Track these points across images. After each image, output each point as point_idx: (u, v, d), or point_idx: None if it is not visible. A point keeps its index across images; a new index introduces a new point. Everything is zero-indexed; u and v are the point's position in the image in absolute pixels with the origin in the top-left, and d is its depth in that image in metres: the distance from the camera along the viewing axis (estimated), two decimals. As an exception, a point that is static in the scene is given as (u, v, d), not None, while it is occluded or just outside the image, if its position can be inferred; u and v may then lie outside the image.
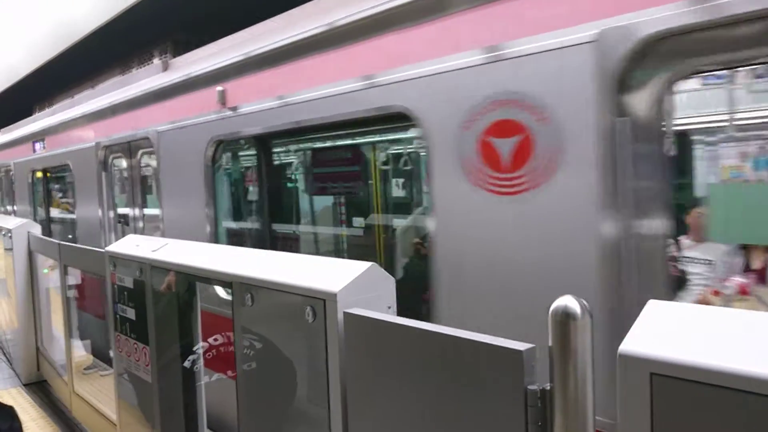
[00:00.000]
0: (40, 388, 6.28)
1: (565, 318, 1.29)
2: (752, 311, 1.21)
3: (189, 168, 4.89)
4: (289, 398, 2.17)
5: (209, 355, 3.81)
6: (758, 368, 1.01)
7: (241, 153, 5.27)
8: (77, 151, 7.32)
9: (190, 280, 2.92)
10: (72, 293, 5.75)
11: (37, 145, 9.26)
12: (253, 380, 2.31)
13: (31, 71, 10.77)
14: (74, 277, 5.67)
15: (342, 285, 1.89)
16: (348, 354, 1.85)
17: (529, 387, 1.35)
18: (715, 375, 1.04)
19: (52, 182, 9.66)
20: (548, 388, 1.33)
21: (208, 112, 4.60)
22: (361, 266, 1.96)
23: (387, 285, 2.00)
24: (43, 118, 9.52)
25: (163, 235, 5.27)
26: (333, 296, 1.87)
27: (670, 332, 1.18)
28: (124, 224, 6.60)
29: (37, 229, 6.52)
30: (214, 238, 4.82)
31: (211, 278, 2.59)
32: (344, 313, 1.84)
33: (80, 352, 6.00)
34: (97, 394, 5.02)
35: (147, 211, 6.17)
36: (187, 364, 3.21)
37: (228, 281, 2.35)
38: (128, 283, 3.32)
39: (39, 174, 9.55)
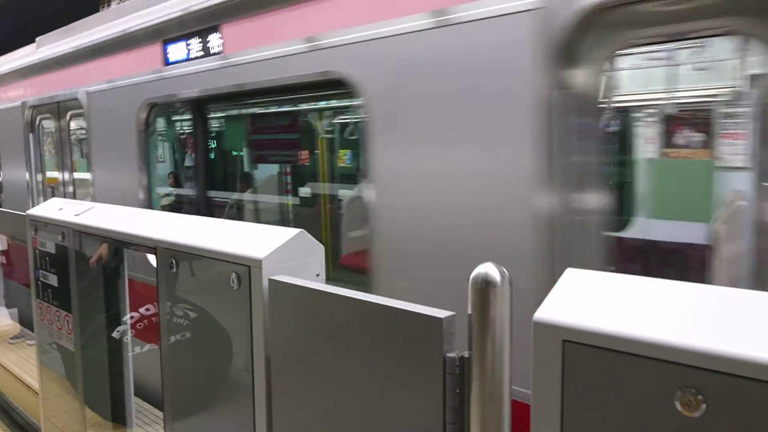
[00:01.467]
0: (-39, 358, 5.99)
1: (484, 285, 1.28)
2: (669, 281, 1.23)
3: None
4: (213, 366, 2.11)
5: (139, 325, 3.70)
6: (665, 335, 1.02)
7: None
8: (388, 42, 2.91)
9: (116, 246, 2.80)
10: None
11: (181, 48, 4.15)
12: (176, 348, 2.24)
13: None
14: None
15: (268, 251, 1.83)
16: (273, 321, 1.81)
17: (448, 354, 1.34)
18: (624, 342, 1.05)
19: (232, 131, 4.27)
20: (467, 355, 1.32)
21: None
22: (289, 232, 1.91)
23: (316, 252, 1.96)
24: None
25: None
26: (258, 263, 1.82)
27: (584, 300, 1.18)
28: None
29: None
30: None
31: (134, 243, 2.48)
32: (269, 280, 1.79)
33: (6, 321, 5.76)
34: (23, 363, 4.84)
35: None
36: (116, 334, 3.11)
37: (152, 246, 2.26)
38: (50, 248, 3.16)
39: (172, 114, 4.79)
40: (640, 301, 1.16)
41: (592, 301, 1.18)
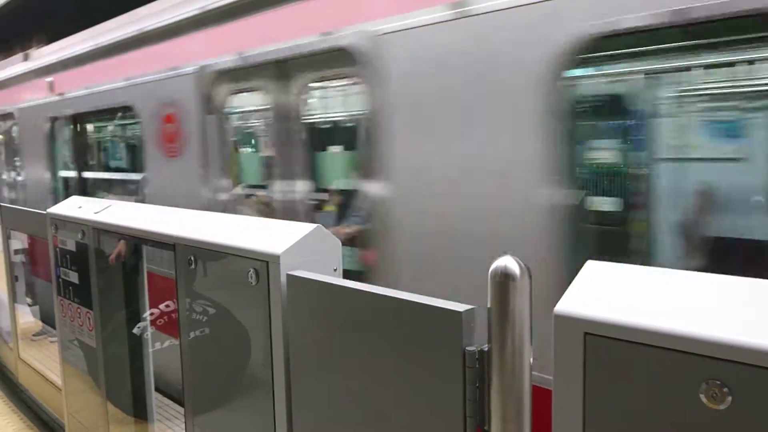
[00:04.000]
0: (-15, 355, 6.10)
1: (504, 279, 1.27)
2: (690, 272, 1.21)
3: None
4: (233, 361, 2.13)
5: (159, 321, 3.74)
6: (689, 327, 1.01)
7: None
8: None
9: (134, 243, 2.83)
10: (19, 258, 5.55)
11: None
12: (196, 343, 2.26)
13: None
14: (20, 241, 5.47)
15: (285, 247, 1.84)
16: (291, 316, 1.81)
17: (467, 348, 1.33)
18: (646, 334, 1.04)
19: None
20: (486, 349, 1.32)
21: None
22: (306, 228, 1.91)
23: (333, 247, 1.96)
24: None
25: None
26: (276, 258, 1.82)
27: (605, 292, 1.17)
28: None
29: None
30: None
31: (153, 240, 2.50)
32: (287, 275, 1.79)
33: (29, 318, 5.84)
34: (45, 360, 4.91)
35: None
36: (136, 331, 3.15)
37: (170, 243, 2.28)
38: (70, 246, 3.20)
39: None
40: (662, 293, 1.14)
41: (614, 292, 1.17)
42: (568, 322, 1.14)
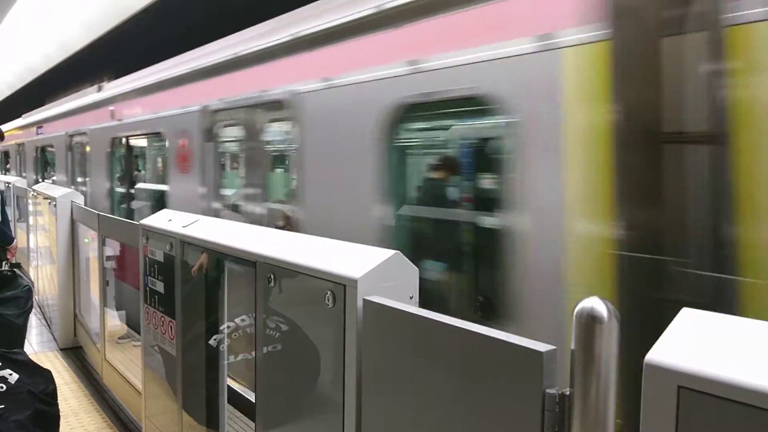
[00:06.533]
0: (75, 353, 6.48)
1: (590, 321, 1.22)
2: None
3: None
4: (305, 380, 2.15)
5: (235, 335, 3.84)
6: (799, 389, 0.92)
7: None
8: None
9: (217, 257, 2.93)
10: (110, 264, 5.89)
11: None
12: (271, 360, 2.30)
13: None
14: (112, 248, 5.81)
15: (364, 271, 1.85)
16: (365, 341, 1.81)
17: (548, 390, 1.28)
18: (750, 394, 0.96)
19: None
20: (567, 393, 1.26)
21: None
22: (385, 253, 1.92)
23: (411, 274, 1.95)
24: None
25: None
26: (354, 282, 1.83)
27: (703, 343, 1.10)
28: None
29: (79, 199, 6.69)
30: None
31: (235, 256, 2.59)
32: (364, 300, 1.80)
33: (115, 321, 6.16)
34: (128, 363, 5.15)
35: None
36: (212, 342, 3.24)
37: (252, 260, 2.34)
38: (159, 256, 3.36)
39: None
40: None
41: (713, 344, 1.09)
42: (660, 373, 1.07)
